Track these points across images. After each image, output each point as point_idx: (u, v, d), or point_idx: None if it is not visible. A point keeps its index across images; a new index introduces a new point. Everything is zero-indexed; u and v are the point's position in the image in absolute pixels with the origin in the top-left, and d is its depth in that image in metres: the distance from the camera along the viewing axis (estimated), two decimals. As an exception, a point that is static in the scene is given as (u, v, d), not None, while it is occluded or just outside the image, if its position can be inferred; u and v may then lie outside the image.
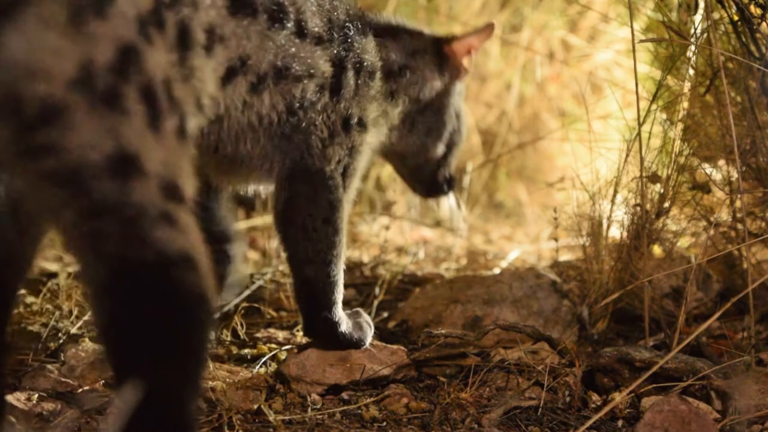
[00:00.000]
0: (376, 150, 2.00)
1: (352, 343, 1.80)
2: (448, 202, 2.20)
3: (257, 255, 2.83)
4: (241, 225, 2.81)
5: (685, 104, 2.13)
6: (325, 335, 1.79)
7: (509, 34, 3.74)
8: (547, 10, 3.69)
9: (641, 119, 2.01)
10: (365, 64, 1.78)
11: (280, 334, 2.09)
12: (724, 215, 2.19)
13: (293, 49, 1.60)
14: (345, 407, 1.71)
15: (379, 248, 2.71)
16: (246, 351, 1.98)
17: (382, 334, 2.08)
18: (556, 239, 2.31)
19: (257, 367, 1.87)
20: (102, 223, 1.13)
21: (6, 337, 1.51)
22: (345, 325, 1.79)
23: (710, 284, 2.22)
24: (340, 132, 1.75)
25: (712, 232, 2.16)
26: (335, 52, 1.71)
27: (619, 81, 3.28)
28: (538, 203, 3.62)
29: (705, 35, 2.03)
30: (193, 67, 1.31)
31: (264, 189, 1.90)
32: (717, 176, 2.18)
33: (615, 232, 2.12)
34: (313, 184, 1.74)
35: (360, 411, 1.69)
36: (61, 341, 1.95)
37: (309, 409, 1.69)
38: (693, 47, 2.07)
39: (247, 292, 2.33)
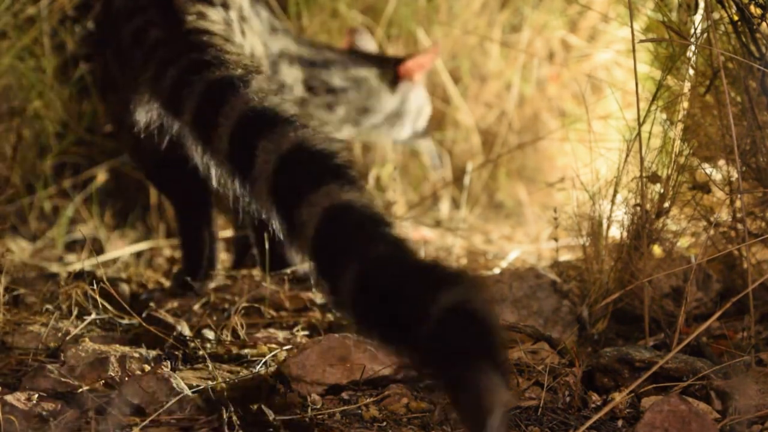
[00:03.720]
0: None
1: None
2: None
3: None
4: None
5: (685, 104, 2.13)
6: None
7: (509, 34, 3.74)
8: (547, 10, 3.68)
9: (641, 119, 2.01)
10: None
11: (280, 334, 2.09)
12: (724, 215, 2.19)
13: None
14: (345, 407, 1.71)
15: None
16: (246, 351, 1.98)
17: (382, 334, 2.08)
18: (556, 239, 2.31)
19: (257, 367, 1.87)
20: None
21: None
22: None
23: (710, 284, 2.22)
24: None
25: (712, 232, 2.16)
26: None
27: (619, 81, 3.28)
28: (538, 203, 3.61)
29: (705, 35, 2.03)
30: None
31: None
32: (717, 176, 2.18)
33: (615, 232, 2.12)
34: None
35: (360, 411, 1.69)
36: (61, 341, 1.95)
37: (309, 409, 1.69)
38: (693, 47, 2.07)
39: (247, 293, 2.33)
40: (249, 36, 2.26)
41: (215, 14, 2.10)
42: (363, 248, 1.48)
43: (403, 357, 1.48)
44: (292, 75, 2.59)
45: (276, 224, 1.65)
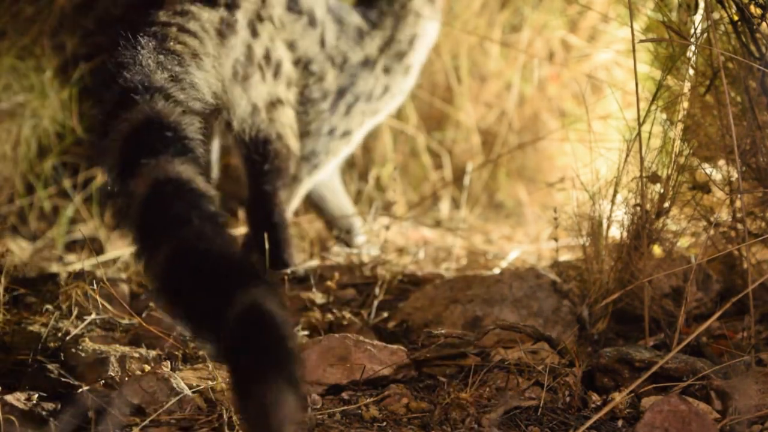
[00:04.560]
0: None
1: None
2: None
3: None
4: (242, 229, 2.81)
5: (685, 104, 2.13)
6: None
7: (509, 34, 3.74)
8: (547, 10, 3.68)
9: (641, 119, 2.01)
10: None
11: (280, 334, 2.09)
12: (724, 215, 2.19)
13: None
14: (345, 407, 1.71)
15: (379, 248, 2.71)
16: (246, 351, 1.98)
17: (382, 334, 2.08)
18: (556, 239, 2.31)
19: (257, 367, 1.87)
20: None
21: None
22: None
23: (710, 284, 2.22)
24: None
25: (712, 232, 2.16)
26: None
27: (619, 81, 3.28)
28: (538, 203, 3.61)
29: (705, 35, 2.03)
30: None
31: None
32: (717, 176, 2.18)
33: (615, 232, 2.12)
34: None
35: (360, 411, 1.69)
36: (61, 341, 1.95)
37: (309, 409, 1.69)
38: (693, 47, 2.07)
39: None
40: (264, 38, 2.27)
41: (206, 13, 2.13)
42: (175, 229, 1.50)
43: (206, 346, 1.50)
44: (371, 81, 2.62)
45: (118, 195, 1.68)
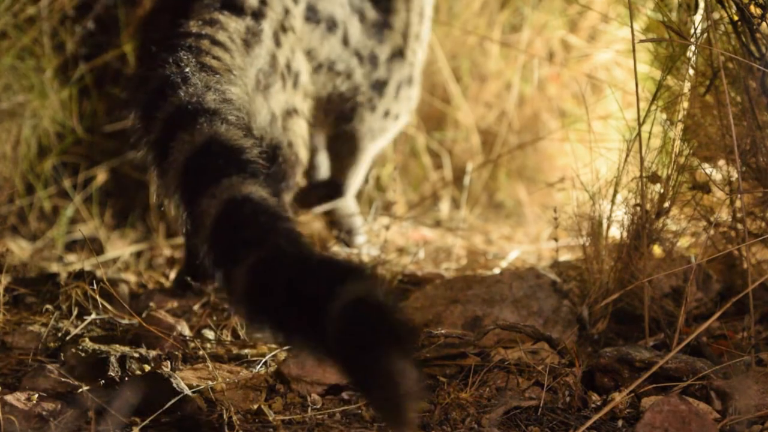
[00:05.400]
0: None
1: None
2: None
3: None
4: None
5: (685, 104, 2.13)
6: None
7: (509, 34, 3.74)
8: (547, 10, 3.68)
9: (641, 119, 2.01)
10: None
11: (280, 334, 2.09)
12: (724, 215, 2.19)
13: None
14: (345, 407, 1.71)
15: (379, 248, 2.71)
16: (246, 351, 1.98)
17: (382, 334, 2.08)
18: (556, 239, 2.31)
19: (257, 367, 1.87)
20: None
21: None
22: None
23: (710, 284, 2.22)
24: None
25: (712, 232, 2.16)
26: None
27: (619, 81, 3.28)
28: (538, 203, 3.61)
29: (705, 35, 2.03)
30: None
31: None
32: (717, 176, 2.18)
33: (615, 232, 2.12)
34: None
35: (360, 411, 1.69)
36: (61, 341, 1.95)
37: (309, 409, 1.69)
38: (693, 47, 2.07)
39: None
40: (286, 48, 2.28)
41: (233, 23, 2.14)
42: (258, 241, 1.52)
43: (298, 347, 1.52)
44: (395, 73, 2.66)
45: (180, 213, 1.71)
